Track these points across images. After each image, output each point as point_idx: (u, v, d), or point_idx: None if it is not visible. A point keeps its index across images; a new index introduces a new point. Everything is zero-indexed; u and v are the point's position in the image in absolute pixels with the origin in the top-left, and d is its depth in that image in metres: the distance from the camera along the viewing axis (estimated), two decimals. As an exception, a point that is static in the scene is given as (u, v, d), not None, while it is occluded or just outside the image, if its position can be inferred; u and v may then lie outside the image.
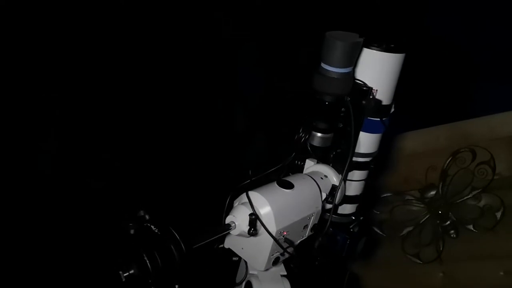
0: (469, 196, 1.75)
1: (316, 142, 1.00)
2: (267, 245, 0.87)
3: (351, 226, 1.06)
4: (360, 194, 1.10)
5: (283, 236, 0.87)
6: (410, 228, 1.89)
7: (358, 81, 0.97)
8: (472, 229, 1.76)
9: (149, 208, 0.73)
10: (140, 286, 0.65)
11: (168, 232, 0.68)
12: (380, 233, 1.97)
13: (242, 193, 0.88)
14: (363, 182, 1.10)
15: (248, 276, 0.99)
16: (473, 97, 2.14)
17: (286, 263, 1.01)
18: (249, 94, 2.10)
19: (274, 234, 0.84)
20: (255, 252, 0.90)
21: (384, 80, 0.99)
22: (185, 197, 1.99)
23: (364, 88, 0.96)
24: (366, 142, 1.04)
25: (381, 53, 0.95)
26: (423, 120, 1.91)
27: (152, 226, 0.69)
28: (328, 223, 0.94)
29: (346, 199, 1.05)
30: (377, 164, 1.08)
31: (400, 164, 1.91)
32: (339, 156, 1.03)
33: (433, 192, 1.83)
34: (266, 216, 0.84)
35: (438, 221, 1.82)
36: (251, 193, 0.86)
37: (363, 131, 1.02)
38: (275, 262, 0.92)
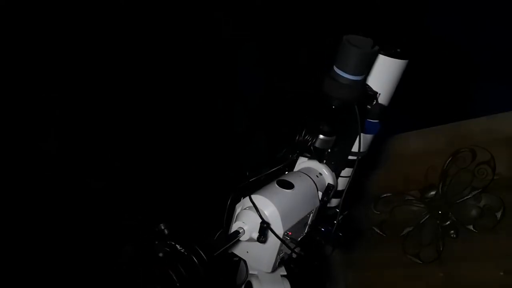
0: (469, 196, 1.74)
1: (319, 144, 0.99)
2: (274, 248, 0.87)
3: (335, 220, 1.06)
4: (345, 189, 1.11)
5: (288, 237, 0.87)
6: (410, 228, 1.89)
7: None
8: (472, 229, 1.76)
9: (167, 221, 0.73)
10: None
11: (188, 244, 0.68)
12: (380, 233, 1.97)
13: (242, 194, 0.88)
14: (349, 178, 1.11)
15: (248, 276, 0.99)
16: (473, 97, 2.13)
17: (287, 263, 1.01)
18: (249, 94, 2.10)
19: (281, 236, 0.84)
20: (261, 255, 0.90)
21: (387, 84, 0.99)
22: (185, 197, 1.99)
23: (370, 93, 0.96)
24: (361, 141, 1.04)
25: (387, 58, 0.95)
26: (423, 120, 1.91)
27: (173, 242, 0.69)
28: (337, 223, 0.94)
29: (333, 194, 1.06)
30: (368, 163, 1.08)
31: (400, 164, 1.92)
32: (335, 154, 1.03)
33: (433, 192, 1.83)
34: (273, 219, 0.84)
35: (438, 221, 1.82)
36: (255, 196, 0.85)
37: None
38: (281, 263, 0.92)
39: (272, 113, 2.05)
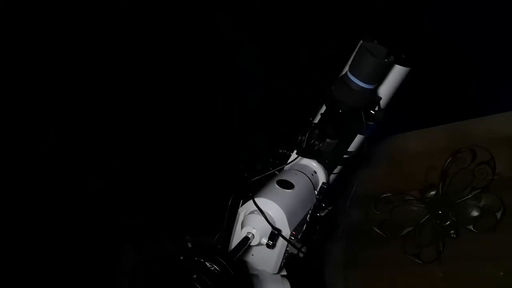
0: (469, 196, 1.74)
1: (324, 148, 0.99)
2: (281, 249, 0.87)
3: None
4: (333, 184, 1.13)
5: (293, 237, 0.87)
6: (410, 228, 1.89)
7: None
8: (472, 229, 1.76)
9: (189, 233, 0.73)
10: None
11: (215, 260, 0.69)
12: (380, 233, 1.97)
13: (242, 195, 0.87)
14: (337, 174, 1.13)
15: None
16: (473, 97, 2.13)
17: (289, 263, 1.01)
18: (249, 94, 2.10)
19: (287, 237, 0.84)
20: (267, 258, 0.90)
21: (388, 89, 0.99)
22: (185, 196, 1.99)
23: (376, 99, 0.97)
24: (355, 141, 1.06)
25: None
26: (423, 120, 1.91)
27: (201, 259, 0.69)
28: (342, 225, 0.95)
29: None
30: (368, 163, 1.10)
31: (400, 164, 1.91)
32: (331, 154, 1.03)
33: (433, 192, 1.83)
34: (279, 221, 0.84)
35: (438, 221, 1.82)
36: (259, 200, 0.84)
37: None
38: (285, 263, 0.93)
39: (272, 113, 2.05)
